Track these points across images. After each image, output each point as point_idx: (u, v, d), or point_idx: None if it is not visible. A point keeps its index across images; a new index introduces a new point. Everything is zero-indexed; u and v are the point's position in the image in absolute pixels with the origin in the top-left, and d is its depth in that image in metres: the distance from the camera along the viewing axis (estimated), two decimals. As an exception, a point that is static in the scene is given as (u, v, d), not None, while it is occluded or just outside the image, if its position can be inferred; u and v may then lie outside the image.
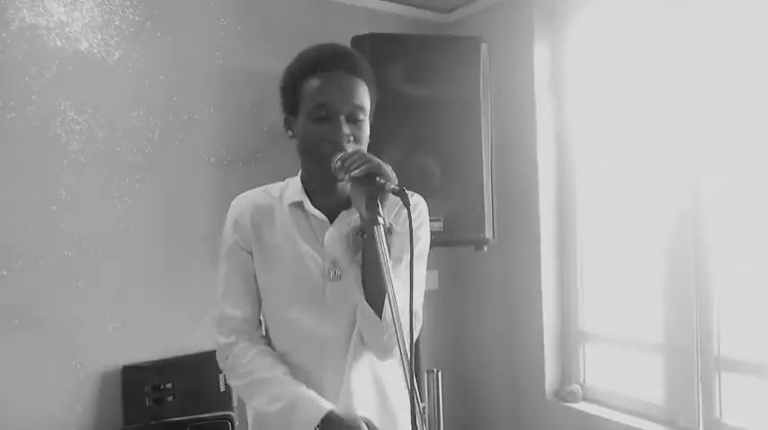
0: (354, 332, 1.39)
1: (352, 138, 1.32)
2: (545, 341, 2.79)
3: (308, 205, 1.39)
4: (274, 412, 1.31)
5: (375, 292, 1.31)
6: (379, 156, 1.24)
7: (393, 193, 1.18)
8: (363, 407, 1.38)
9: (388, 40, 2.42)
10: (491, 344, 3.08)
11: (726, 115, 2.23)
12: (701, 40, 2.27)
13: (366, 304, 1.32)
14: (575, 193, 2.79)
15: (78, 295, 2.31)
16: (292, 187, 1.44)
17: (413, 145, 2.38)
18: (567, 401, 2.72)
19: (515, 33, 2.84)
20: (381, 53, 2.36)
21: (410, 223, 1.13)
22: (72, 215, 2.30)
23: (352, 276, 1.36)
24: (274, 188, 1.47)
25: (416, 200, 1.43)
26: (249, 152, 2.67)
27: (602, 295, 2.72)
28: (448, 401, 3.08)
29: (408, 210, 1.13)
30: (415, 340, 1.11)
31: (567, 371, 2.82)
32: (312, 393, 1.32)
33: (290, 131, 1.40)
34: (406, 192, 1.16)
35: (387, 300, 1.24)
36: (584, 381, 2.77)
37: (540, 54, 2.80)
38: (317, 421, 1.25)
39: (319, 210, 1.39)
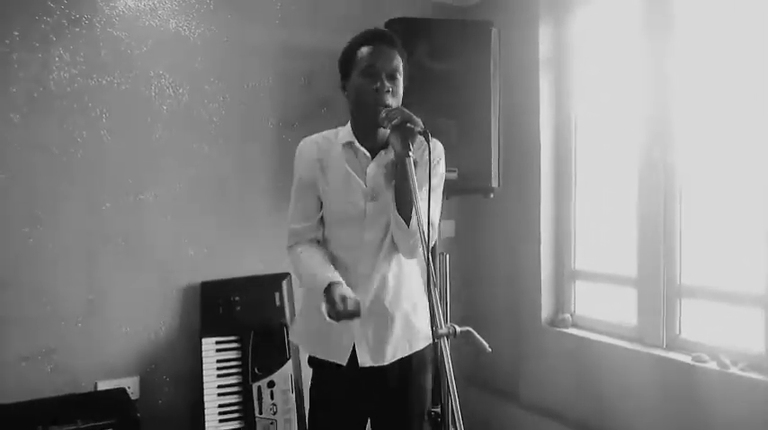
0: (387, 238, 1.93)
1: (390, 90, 1.85)
2: (542, 277, 3.32)
3: (356, 144, 1.92)
4: (308, 275, 1.88)
5: (403, 208, 1.83)
6: None
7: (419, 134, 1.72)
8: (388, 288, 1.94)
9: (415, 23, 2.92)
10: (496, 280, 3.63)
11: (705, 84, 2.70)
12: (690, 33, 2.73)
13: (398, 215, 1.83)
14: (570, 151, 3.30)
15: (167, 226, 2.91)
16: (343, 132, 1.95)
17: (435, 110, 2.88)
18: (559, 327, 3.26)
19: (523, 18, 3.34)
20: (410, 34, 2.84)
21: (429, 153, 1.69)
22: (163, 160, 2.89)
23: (388, 197, 1.88)
24: (330, 133, 2.00)
25: (435, 142, 1.91)
26: (301, 114, 3.23)
27: (589, 239, 3.25)
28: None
29: (428, 144, 1.68)
30: (432, 244, 1.64)
31: (559, 302, 3.36)
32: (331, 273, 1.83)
33: (345, 92, 1.94)
34: (429, 134, 1.71)
35: (413, 213, 1.73)
36: (573, 311, 3.31)
37: (544, 35, 3.30)
38: (326, 284, 1.78)
39: (364, 148, 1.93)
